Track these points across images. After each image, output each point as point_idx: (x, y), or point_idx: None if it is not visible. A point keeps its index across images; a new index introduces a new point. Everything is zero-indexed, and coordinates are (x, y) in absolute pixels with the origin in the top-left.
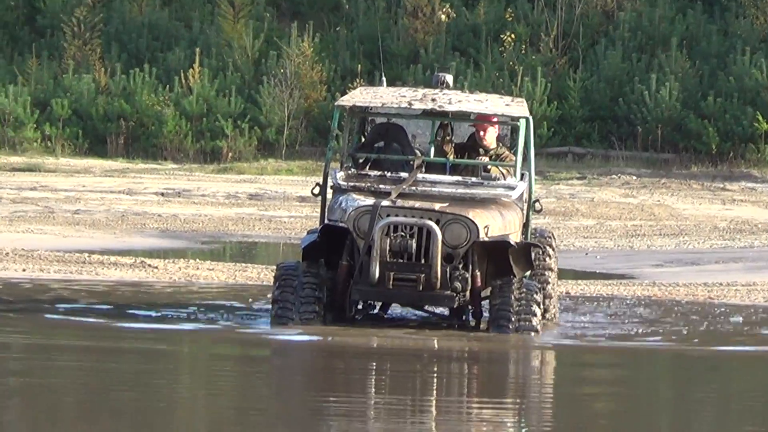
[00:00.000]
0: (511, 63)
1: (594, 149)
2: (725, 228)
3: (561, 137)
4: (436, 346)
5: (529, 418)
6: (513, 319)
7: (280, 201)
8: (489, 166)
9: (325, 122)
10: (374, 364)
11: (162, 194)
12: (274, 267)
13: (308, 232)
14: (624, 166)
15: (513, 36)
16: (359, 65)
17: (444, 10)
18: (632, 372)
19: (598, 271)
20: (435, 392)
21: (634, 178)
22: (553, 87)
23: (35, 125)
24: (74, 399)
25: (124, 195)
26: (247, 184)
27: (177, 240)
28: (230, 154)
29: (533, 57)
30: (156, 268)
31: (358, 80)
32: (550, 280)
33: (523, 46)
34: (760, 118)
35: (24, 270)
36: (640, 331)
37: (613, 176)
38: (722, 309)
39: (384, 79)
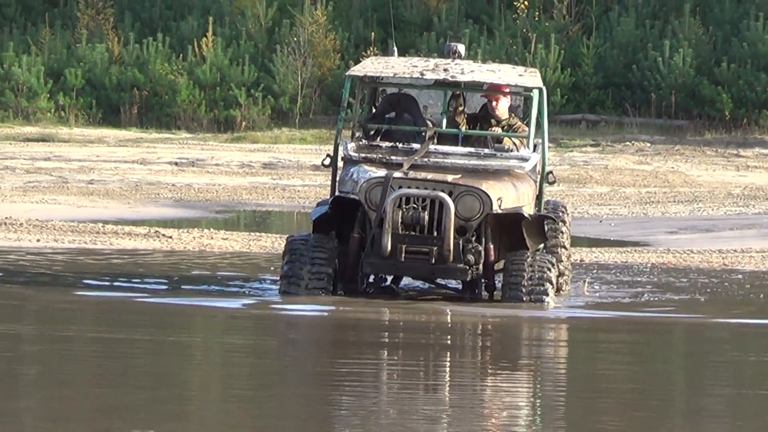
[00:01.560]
0: (524, 30)
1: (608, 116)
2: (739, 194)
3: (575, 104)
4: (448, 318)
5: (542, 388)
6: (526, 288)
7: (294, 170)
8: (502, 137)
9: (338, 90)
10: (386, 336)
11: (176, 164)
12: (287, 237)
13: (318, 204)
14: (638, 133)
15: (526, 3)
16: (372, 33)
17: None
18: (645, 344)
19: (612, 239)
20: (447, 363)
21: (648, 144)
22: (566, 54)
23: (49, 95)
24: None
25: (137, 165)
26: (260, 153)
27: (191, 209)
28: (244, 123)
29: (546, 24)
30: (170, 237)
31: (371, 48)
32: (563, 257)
33: (537, 13)
34: None
35: (38, 240)
36: (654, 299)
37: (627, 143)
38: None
39: (395, 48)
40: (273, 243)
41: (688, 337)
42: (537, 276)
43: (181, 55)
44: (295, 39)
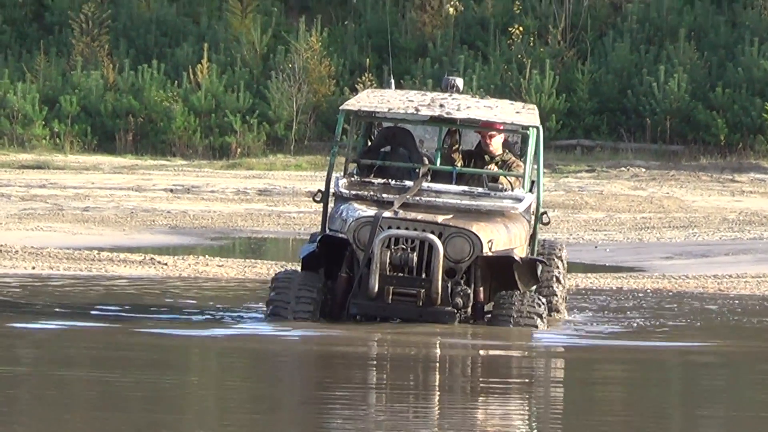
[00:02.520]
0: (519, 56)
1: (603, 141)
2: (734, 219)
3: (569, 130)
4: (438, 344)
5: (532, 413)
6: (514, 315)
7: (289, 196)
8: (496, 176)
9: (333, 117)
10: (374, 361)
11: (171, 190)
12: (283, 263)
13: (310, 239)
14: (633, 158)
15: (521, 28)
16: (368, 59)
17: (452, 3)
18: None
19: (607, 264)
20: (436, 387)
21: (643, 170)
22: (561, 79)
23: (44, 122)
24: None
25: (133, 192)
26: (256, 179)
27: (186, 236)
28: (239, 150)
29: (541, 49)
30: (165, 264)
31: (366, 74)
32: (557, 291)
33: (531, 39)
34: None
35: (33, 267)
36: (647, 325)
37: (622, 168)
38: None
39: (392, 80)
40: (268, 270)
41: (680, 363)
42: (527, 310)
43: (176, 81)
44: (290, 65)
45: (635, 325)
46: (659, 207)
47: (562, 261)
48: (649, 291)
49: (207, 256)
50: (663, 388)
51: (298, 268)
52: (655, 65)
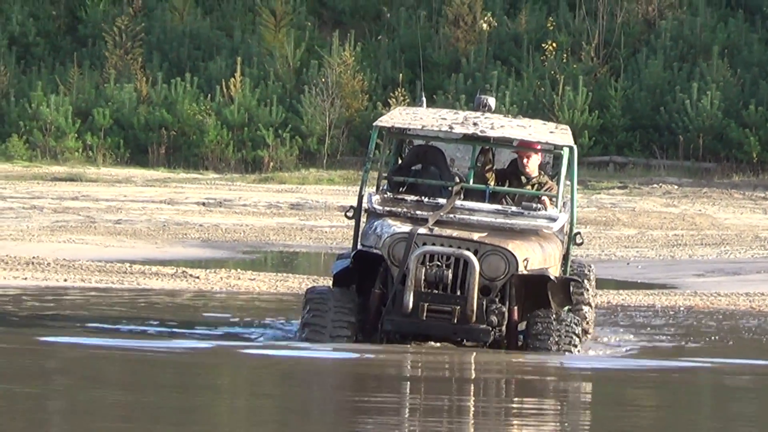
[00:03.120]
0: (552, 72)
1: (635, 158)
2: (766, 238)
3: (602, 146)
4: (472, 363)
5: None
6: (553, 339)
7: (321, 211)
8: (533, 196)
9: (366, 132)
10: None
11: (203, 204)
12: (315, 278)
13: (338, 257)
14: (665, 176)
15: (554, 45)
16: (401, 74)
17: (485, 19)
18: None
19: (639, 281)
20: (468, 408)
21: (676, 187)
22: (594, 96)
23: (77, 135)
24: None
25: (165, 205)
26: (288, 193)
27: (218, 250)
28: (271, 164)
29: (574, 66)
30: (197, 278)
31: (399, 89)
32: (587, 315)
33: (564, 55)
34: None
35: (65, 280)
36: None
37: (655, 185)
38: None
39: (424, 99)
40: (300, 284)
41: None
42: (564, 330)
43: (209, 95)
44: (323, 80)
45: (667, 343)
46: (691, 224)
47: (590, 282)
48: (682, 308)
49: (239, 270)
50: (694, 410)
51: (329, 283)
52: (688, 82)
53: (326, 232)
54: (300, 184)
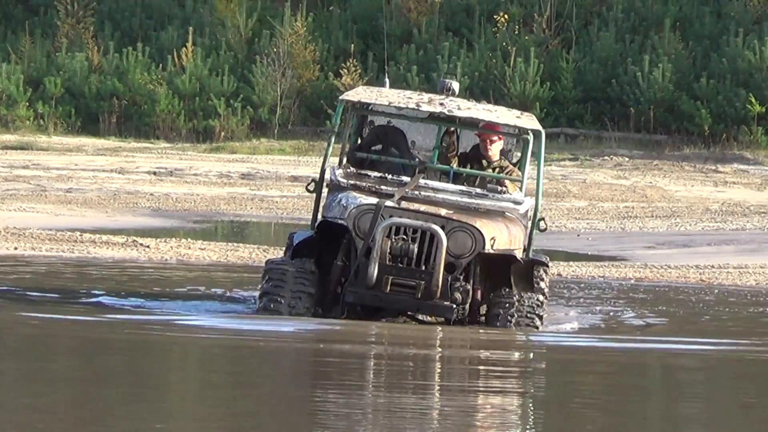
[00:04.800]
0: (504, 44)
1: (586, 130)
2: (717, 210)
3: (553, 118)
4: (437, 337)
5: (521, 413)
6: (515, 315)
7: (272, 181)
8: (494, 179)
9: (317, 102)
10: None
11: (154, 173)
12: (266, 248)
13: (291, 234)
14: (616, 148)
15: (506, 16)
16: (352, 45)
17: None
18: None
19: (589, 253)
20: (427, 387)
21: (627, 159)
22: (545, 68)
23: (28, 103)
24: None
25: (116, 174)
26: (239, 163)
27: (169, 219)
28: (222, 134)
29: (526, 38)
30: (148, 247)
31: (351, 60)
32: (543, 302)
33: (516, 27)
34: (753, 99)
35: (16, 248)
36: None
37: (606, 158)
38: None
39: (387, 79)
40: (250, 254)
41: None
42: (526, 310)
43: (161, 64)
44: (275, 50)
45: (619, 321)
46: (642, 196)
47: (547, 273)
48: (632, 280)
49: (189, 239)
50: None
51: (281, 253)
52: (639, 55)
53: (277, 202)
54: (251, 153)
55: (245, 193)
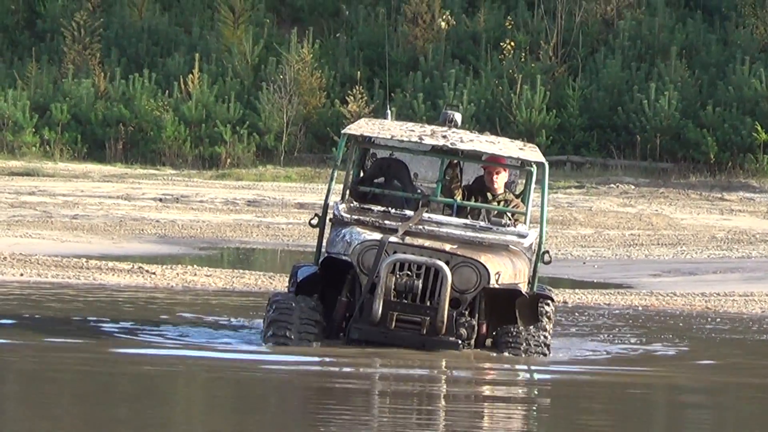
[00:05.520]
0: (510, 71)
1: (592, 158)
2: (723, 238)
3: (559, 146)
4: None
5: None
6: (523, 345)
7: (278, 207)
8: (500, 212)
9: (324, 129)
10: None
11: (160, 200)
12: (271, 274)
13: (294, 268)
14: (622, 176)
15: (512, 44)
16: (359, 72)
17: (444, 17)
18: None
19: (595, 281)
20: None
21: (633, 187)
22: (552, 95)
23: (34, 129)
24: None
25: (122, 200)
26: (245, 190)
27: (175, 246)
28: (229, 160)
29: (532, 65)
30: (154, 273)
31: (357, 87)
32: (548, 328)
33: (523, 54)
34: (759, 128)
35: (21, 275)
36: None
37: (612, 185)
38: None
39: (389, 111)
40: (256, 280)
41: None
42: (534, 341)
43: (167, 91)
44: (281, 77)
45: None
46: (648, 224)
47: (550, 307)
48: (640, 308)
49: (195, 266)
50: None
51: (285, 280)
52: (646, 83)
53: (283, 228)
54: (257, 180)
55: (251, 219)
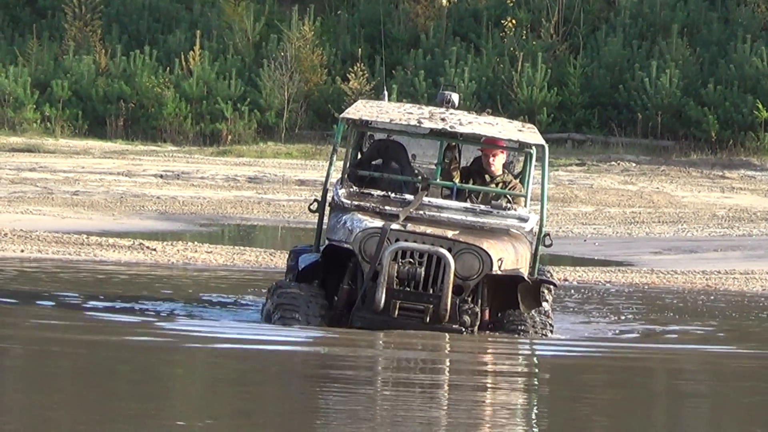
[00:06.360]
0: (511, 48)
1: (593, 136)
2: (724, 216)
3: (561, 123)
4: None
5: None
6: (530, 326)
7: (279, 184)
8: (500, 195)
9: (324, 106)
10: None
11: (161, 176)
12: (272, 251)
13: (292, 251)
14: (623, 153)
15: (514, 21)
16: (360, 49)
17: None
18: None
19: (596, 258)
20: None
21: (634, 165)
22: (553, 73)
23: (35, 106)
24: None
25: (123, 177)
26: (246, 167)
27: (175, 222)
28: (230, 137)
29: (534, 43)
30: (154, 250)
31: (358, 64)
32: (546, 307)
33: (524, 32)
34: (760, 106)
35: (22, 251)
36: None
37: (613, 163)
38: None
39: (386, 93)
40: (257, 257)
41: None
42: (540, 322)
43: (168, 68)
44: (282, 54)
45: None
46: (649, 202)
47: (550, 291)
48: (644, 286)
49: (196, 243)
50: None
51: (285, 256)
52: (647, 60)
53: (284, 205)
54: (258, 157)
55: (252, 196)
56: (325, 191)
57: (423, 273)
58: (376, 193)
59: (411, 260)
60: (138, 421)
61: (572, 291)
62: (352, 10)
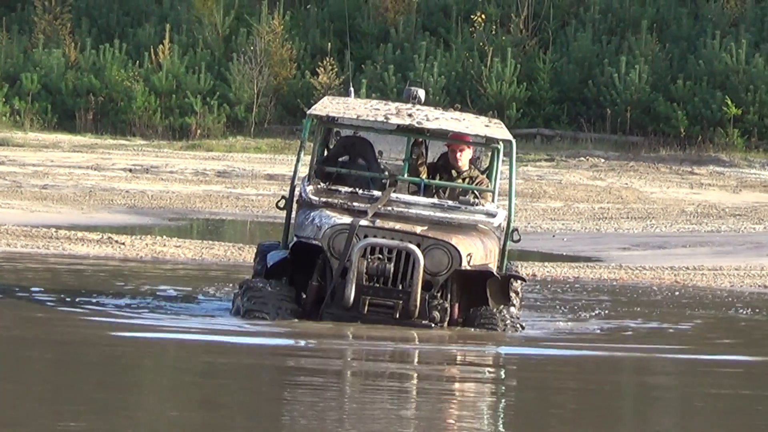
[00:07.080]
0: (481, 44)
1: (563, 131)
2: (692, 212)
3: (530, 119)
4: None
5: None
6: (500, 323)
7: (248, 179)
8: (467, 190)
9: (294, 100)
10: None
11: (130, 170)
12: (241, 245)
13: (259, 247)
14: (592, 149)
15: (483, 16)
16: (329, 44)
17: None
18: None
19: (564, 254)
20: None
21: (602, 160)
22: (522, 68)
23: (4, 99)
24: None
25: (92, 170)
26: (215, 161)
27: (144, 216)
28: (199, 131)
29: (503, 38)
30: (123, 244)
31: (327, 58)
32: (515, 303)
33: (494, 27)
34: (729, 102)
35: None
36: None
37: (582, 158)
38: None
39: (352, 89)
40: (225, 251)
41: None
42: (509, 319)
43: (138, 61)
44: (252, 48)
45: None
46: (618, 198)
47: (522, 278)
48: (609, 282)
49: (165, 237)
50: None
51: (254, 249)
52: (616, 56)
53: (252, 200)
54: (227, 151)
55: (221, 191)
56: (292, 188)
57: (392, 269)
58: (344, 189)
59: (380, 256)
60: (103, 413)
61: (539, 286)
62: (321, 5)
